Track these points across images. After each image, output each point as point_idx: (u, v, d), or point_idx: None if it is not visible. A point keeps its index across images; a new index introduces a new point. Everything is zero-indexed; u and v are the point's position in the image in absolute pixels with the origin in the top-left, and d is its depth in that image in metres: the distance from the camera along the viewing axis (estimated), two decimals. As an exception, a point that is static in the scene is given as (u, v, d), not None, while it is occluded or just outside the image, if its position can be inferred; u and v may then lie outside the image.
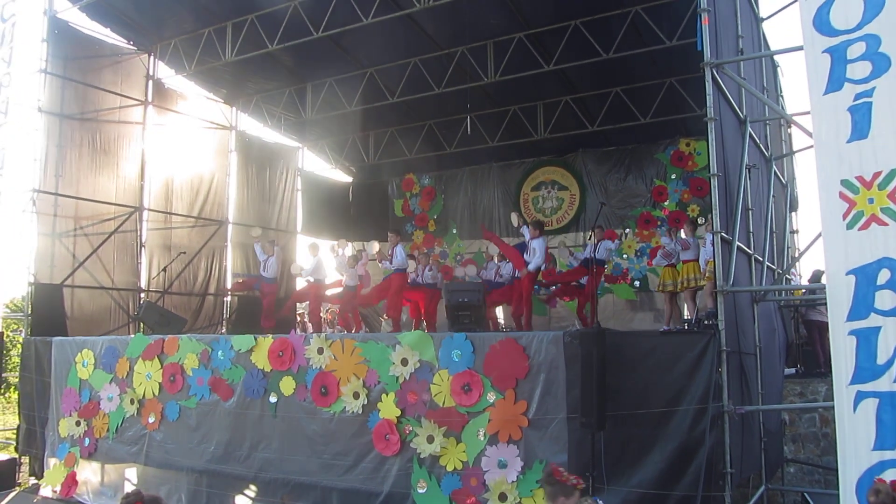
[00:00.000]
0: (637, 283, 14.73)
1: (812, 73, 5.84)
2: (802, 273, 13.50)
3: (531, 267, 10.07)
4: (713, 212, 6.80)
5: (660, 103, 13.02)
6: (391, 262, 11.24)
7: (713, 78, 6.96)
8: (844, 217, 5.48)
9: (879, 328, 5.15)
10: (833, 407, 5.40)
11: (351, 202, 18.17)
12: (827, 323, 11.09)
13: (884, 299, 5.17)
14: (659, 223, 14.59)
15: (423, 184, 17.75)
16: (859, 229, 5.40)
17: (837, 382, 5.27)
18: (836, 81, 5.72)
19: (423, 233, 17.47)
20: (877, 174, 5.39)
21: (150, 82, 13.54)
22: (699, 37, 6.93)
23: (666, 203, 14.68)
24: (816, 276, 11.78)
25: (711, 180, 6.78)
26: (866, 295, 5.26)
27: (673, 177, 14.62)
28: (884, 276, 5.21)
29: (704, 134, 6.96)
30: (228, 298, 14.77)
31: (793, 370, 11.12)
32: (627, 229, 14.71)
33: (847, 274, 5.38)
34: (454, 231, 17.00)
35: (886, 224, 5.28)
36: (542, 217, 15.58)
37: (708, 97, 6.85)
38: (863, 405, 5.09)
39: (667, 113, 13.14)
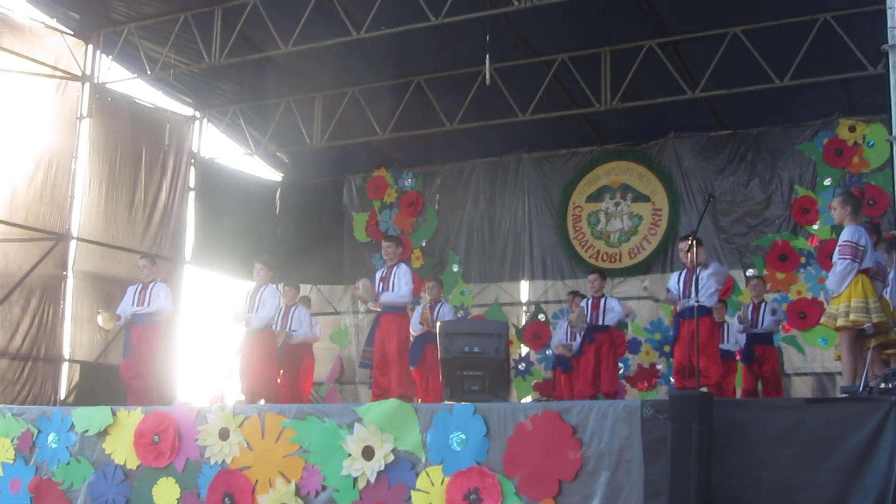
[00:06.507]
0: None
1: None
2: None
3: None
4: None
5: (806, 55, 8.48)
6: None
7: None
8: None
9: None
10: None
11: (278, 215, 12.41)
12: None
13: None
14: (803, 260, 10.10)
15: (402, 186, 12.04)
16: None
17: None
18: None
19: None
20: None
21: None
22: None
23: (815, 227, 10.00)
24: None
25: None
26: None
27: (827, 182, 9.94)
28: None
29: (879, 111, 4.68)
30: (67, 366, 10.28)
31: None
32: (751, 269, 10.12)
33: None
34: (454, 268, 11.52)
35: None
36: (606, 247, 11.01)
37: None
38: None
39: (817, 73, 8.72)
